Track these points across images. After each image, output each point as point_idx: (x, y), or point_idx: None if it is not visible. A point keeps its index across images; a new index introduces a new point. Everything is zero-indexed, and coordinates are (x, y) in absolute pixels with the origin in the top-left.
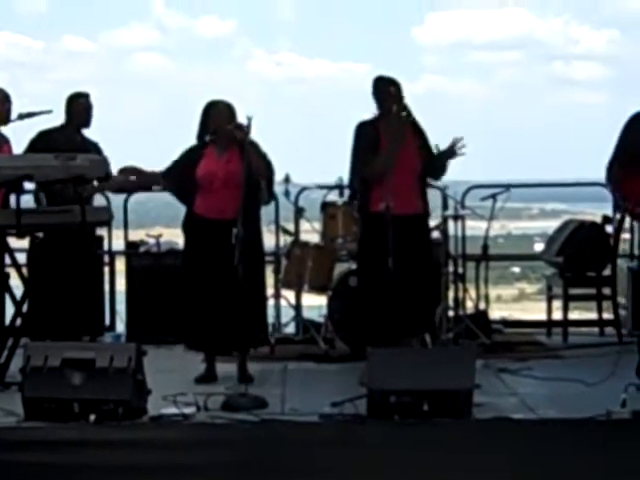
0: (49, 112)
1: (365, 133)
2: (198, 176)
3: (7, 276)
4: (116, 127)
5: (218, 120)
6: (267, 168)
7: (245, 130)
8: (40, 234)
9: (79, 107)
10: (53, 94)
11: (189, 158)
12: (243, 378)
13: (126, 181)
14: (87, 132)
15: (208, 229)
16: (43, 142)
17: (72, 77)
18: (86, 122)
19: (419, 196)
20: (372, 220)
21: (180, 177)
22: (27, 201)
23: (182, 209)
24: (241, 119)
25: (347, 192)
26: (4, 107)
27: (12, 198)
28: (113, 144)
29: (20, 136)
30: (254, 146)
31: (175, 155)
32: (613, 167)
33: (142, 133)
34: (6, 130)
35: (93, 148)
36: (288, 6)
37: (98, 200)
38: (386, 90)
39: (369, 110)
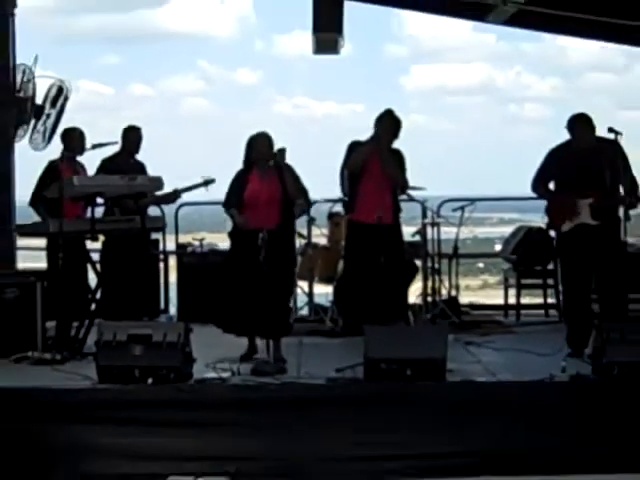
0: (116, 143)
1: (354, 149)
2: (245, 196)
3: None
4: (170, 156)
5: (260, 148)
6: (301, 190)
7: (281, 156)
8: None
9: (132, 137)
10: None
11: (240, 183)
12: (277, 359)
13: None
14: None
15: (250, 237)
16: (108, 167)
17: (136, 116)
18: (137, 149)
19: (394, 208)
20: (354, 227)
21: (239, 201)
22: (98, 212)
23: (221, 218)
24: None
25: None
26: (81, 142)
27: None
28: (168, 170)
29: (93, 162)
30: (290, 169)
31: (221, 178)
32: (538, 185)
33: (192, 160)
34: (81, 158)
35: (141, 169)
36: (303, 62)
37: (154, 211)
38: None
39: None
